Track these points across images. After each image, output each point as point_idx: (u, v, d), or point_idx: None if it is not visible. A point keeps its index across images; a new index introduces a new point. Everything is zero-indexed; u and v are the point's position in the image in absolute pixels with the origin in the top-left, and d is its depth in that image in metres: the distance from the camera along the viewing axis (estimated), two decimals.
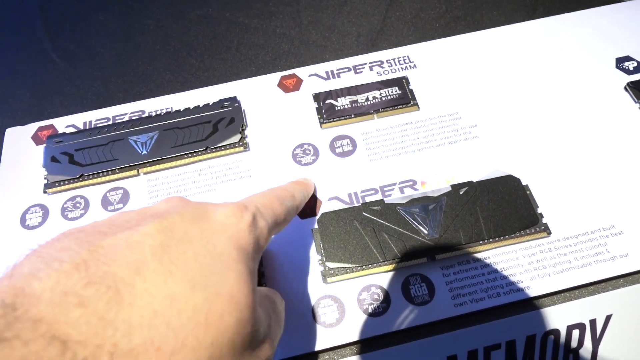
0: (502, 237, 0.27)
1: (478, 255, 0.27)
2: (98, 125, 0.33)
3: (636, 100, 0.32)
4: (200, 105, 0.33)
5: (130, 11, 0.51)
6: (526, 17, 0.46)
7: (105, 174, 0.31)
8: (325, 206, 0.29)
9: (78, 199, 0.31)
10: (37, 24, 0.52)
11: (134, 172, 0.31)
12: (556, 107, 0.32)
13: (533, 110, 0.32)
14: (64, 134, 0.33)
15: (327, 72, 0.35)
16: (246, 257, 0.17)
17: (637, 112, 0.31)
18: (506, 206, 0.28)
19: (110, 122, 0.34)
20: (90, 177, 0.31)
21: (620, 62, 0.34)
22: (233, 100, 0.34)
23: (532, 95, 0.33)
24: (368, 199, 0.29)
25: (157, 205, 0.18)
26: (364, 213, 0.28)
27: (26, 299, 0.12)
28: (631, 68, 0.33)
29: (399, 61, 0.35)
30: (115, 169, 0.31)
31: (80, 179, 0.31)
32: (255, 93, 0.35)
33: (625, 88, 0.32)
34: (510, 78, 0.34)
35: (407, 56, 0.35)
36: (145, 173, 0.31)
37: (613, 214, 0.28)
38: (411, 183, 0.30)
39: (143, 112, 0.34)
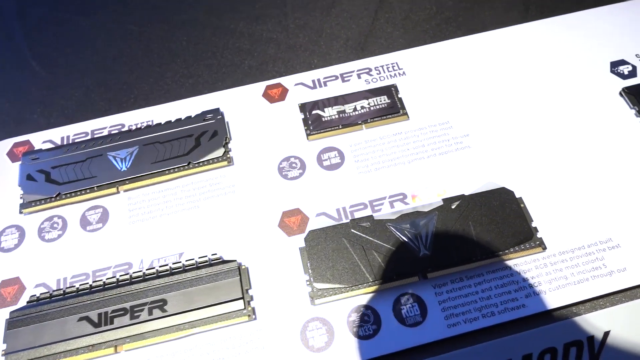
0: (495, 253, 0.26)
1: (471, 273, 0.26)
2: (76, 141, 0.32)
3: (632, 106, 0.31)
4: (182, 118, 0.32)
5: (112, 16, 0.49)
6: (518, 17, 0.45)
7: (83, 192, 0.29)
8: (312, 223, 0.28)
9: (55, 219, 0.29)
10: (16, 29, 0.50)
11: (114, 189, 0.30)
12: (550, 114, 0.31)
13: (526, 118, 0.31)
14: (40, 150, 0.32)
15: (313, 81, 0.34)
16: None
17: (633, 119, 0.30)
18: (500, 220, 0.27)
19: (89, 137, 0.32)
20: (68, 195, 0.29)
21: (614, 66, 0.33)
22: (216, 112, 0.32)
23: (525, 102, 0.32)
24: (357, 215, 0.28)
25: None
26: (352, 230, 0.27)
27: None
28: (626, 72, 0.32)
29: (387, 68, 0.34)
30: (93, 187, 0.30)
31: (58, 198, 0.29)
32: (239, 104, 0.33)
33: (620, 93, 0.31)
34: (502, 84, 0.33)
35: (396, 63, 0.34)
36: (125, 190, 0.30)
37: (610, 226, 0.27)
38: (401, 197, 0.29)
39: (123, 125, 0.33)
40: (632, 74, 0.32)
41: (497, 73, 0.33)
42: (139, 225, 0.29)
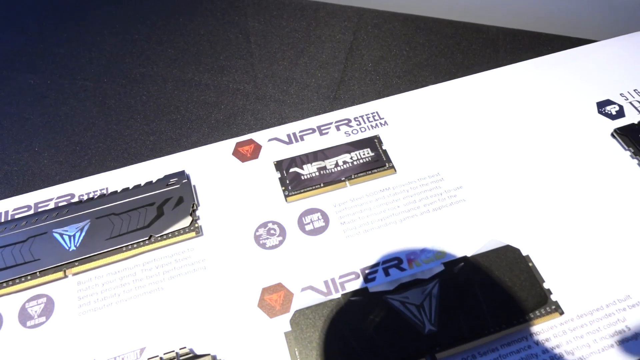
0: (509, 323, 0.23)
1: (484, 348, 0.23)
2: (16, 217, 0.28)
3: (626, 148, 0.29)
4: (142, 184, 0.28)
5: (63, 72, 0.46)
6: (490, 59, 0.44)
7: (23, 279, 0.25)
8: (297, 299, 0.24)
9: None
10: None
11: (60, 273, 0.25)
12: (544, 160, 0.29)
13: (520, 166, 0.29)
14: None
15: (288, 136, 0.31)
16: None
17: (629, 161, 0.29)
18: (509, 284, 0.24)
19: (32, 211, 0.28)
20: (4, 285, 0.25)
21: (601, 106, 0.31)
22: (181, 175, 0.29)
23: (515, 148, 0.30)
24: (348, 286, 0.25)
25: None
26: (345, 306, 0.23)
27: None
28: (614, 112, 0.31)
29: (367, 118, 0.32)
30: (35, 273, 0.25)
31: None
32: (207, 164, 0.30)
33: (612, 135, 0.30)
34: (489, 130, 0.31)
35: (377, 112, 0.32)
36: (74, 274, 0.25)
37: (626, 282, 0.24)
38: (396, 262, 0.25)
39: (72, 195, 0.29)
40: (620, 113, 0.31)
41: (482, 118, 0.31)
42: (91, 316, 0.24)
